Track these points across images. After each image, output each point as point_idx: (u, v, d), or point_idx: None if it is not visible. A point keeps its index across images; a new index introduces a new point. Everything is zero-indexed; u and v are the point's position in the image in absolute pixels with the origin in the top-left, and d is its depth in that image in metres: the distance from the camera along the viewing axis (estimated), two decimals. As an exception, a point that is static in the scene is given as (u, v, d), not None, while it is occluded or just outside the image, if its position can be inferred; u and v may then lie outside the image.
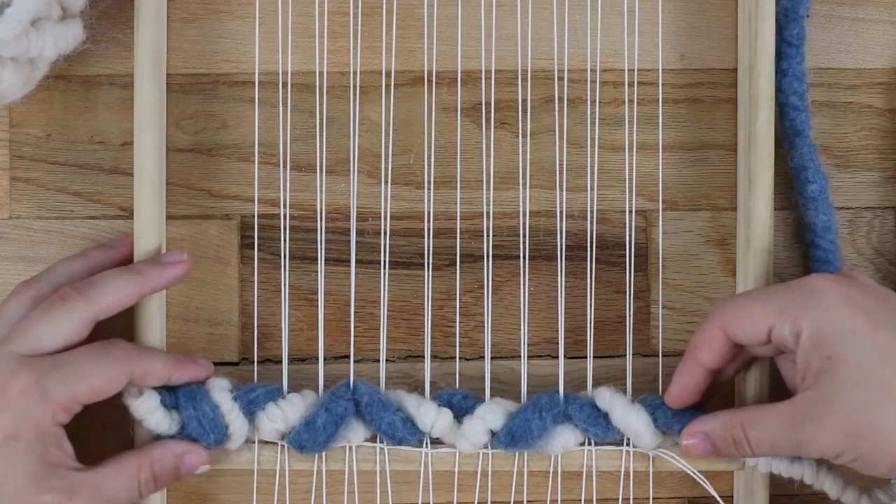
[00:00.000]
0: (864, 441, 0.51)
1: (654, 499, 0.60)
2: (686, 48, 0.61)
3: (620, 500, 0.60)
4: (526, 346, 0.60)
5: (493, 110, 0.61)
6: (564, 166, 0.61)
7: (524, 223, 0.61)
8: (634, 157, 0.61)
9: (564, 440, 0.58)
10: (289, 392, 0.58)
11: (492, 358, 0.60)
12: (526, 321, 0.60)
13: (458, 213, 0.61)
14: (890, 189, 0.62)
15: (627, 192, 0.61)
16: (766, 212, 0.58)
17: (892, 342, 0.51)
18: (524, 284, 0.60)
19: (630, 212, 0.61)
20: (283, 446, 0.58)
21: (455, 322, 0.61)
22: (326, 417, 0.57)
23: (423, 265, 0.60)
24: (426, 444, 0.58)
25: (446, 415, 0.58)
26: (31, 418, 0.52)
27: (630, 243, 0.61)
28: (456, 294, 0.61)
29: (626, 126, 0.61)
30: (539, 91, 0.61)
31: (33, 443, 0.52)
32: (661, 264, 0.61)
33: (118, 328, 0.57)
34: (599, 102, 0.61)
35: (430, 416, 0.58)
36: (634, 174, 0.61)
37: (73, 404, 0.53)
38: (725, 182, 0.62)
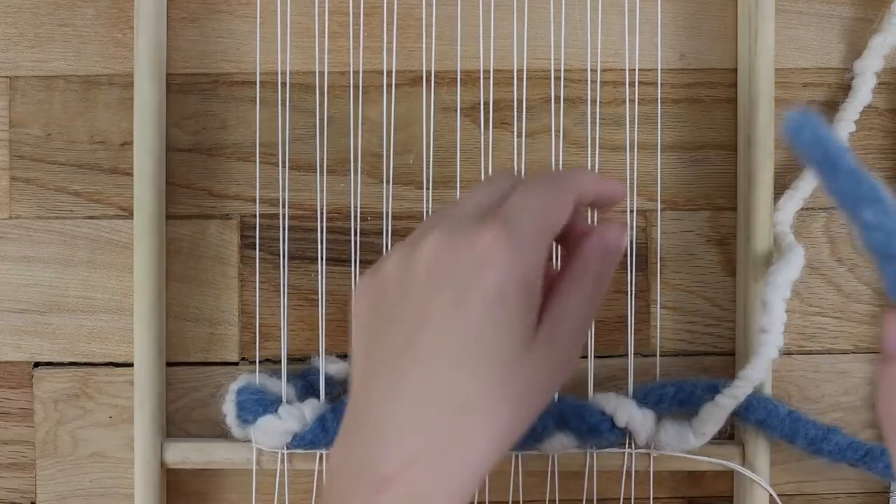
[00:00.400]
0: None
1: (654, 499, 0.60)
2: (686, 48, 0.61)
3: (621, 499, 0.60)
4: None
5: (491, 110, 0.61)
6: (563, 166, 0.60)
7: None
8: (636, 157, 0.61)
9: (560, 444, 0.58)
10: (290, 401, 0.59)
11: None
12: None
13: (458, 213, 0.61)
14: (890, 189, 0.62)
15: (627, 192, 0.61)
16: (766, 212, 0.58)
17: None
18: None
19: (630, 212, 0.61)
20: (283, 446, 0.58)
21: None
22: (333, 419, 0.57)
23: (422, 265, 0.60)
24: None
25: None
26: (515, 264, 0.46)
27: (630, 243, 0.61)
28: (456, 294, 0.61)
29: (627, 126, 0.61)
30: (538, 91, 0.61)
31: (520, 295, 0.46)
32: (659, 264, 0.61)
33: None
34: (599, 102, 0.61)
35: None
36: (635, 174, 0.61)
37: (543, 239, 0.47)
38: (725, 182, 0.62)
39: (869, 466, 0.58)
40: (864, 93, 0.60)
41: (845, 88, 0.61)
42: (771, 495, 0.58)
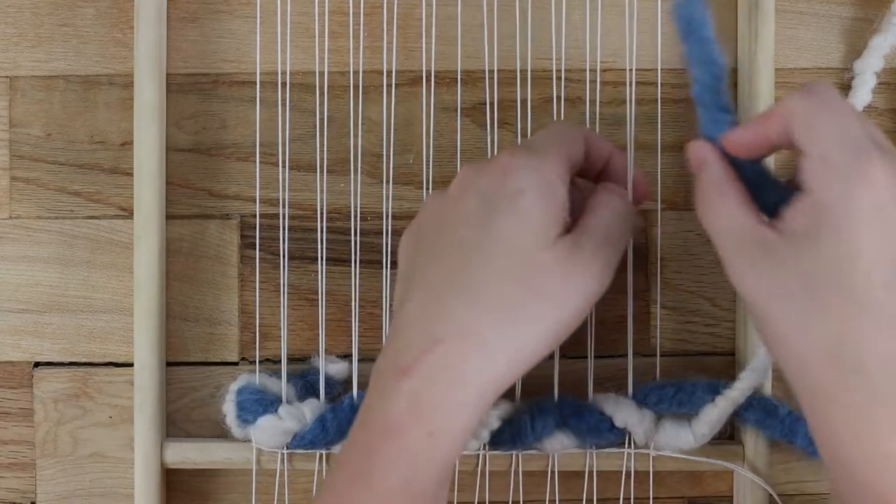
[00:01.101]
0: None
1: (654, 499, 0.60)
2: (686, 48, 0.61)
3: (621, 499, 0.60)
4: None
5: (492, 110, 0.61)
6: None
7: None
8: (632, 157, 0.60)
9: (560, 443, 0.58)
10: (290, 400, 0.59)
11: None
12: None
13: (458, 213, 0.61)
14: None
15: (629, 193, 0.60)
16: (766, 212, 0.58)
17: None
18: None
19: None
20: (282, 446, 0.58)
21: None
22: (333, 419, 0.57)
23: (422, 265, 0.60)
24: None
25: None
26: (534, 169, 0.50)
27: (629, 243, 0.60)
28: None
29: (628, 126, 0.61)
30: (539, 91, 0.61)
31: (538, 193, 0.50)
32: (659, 264, 0.61)
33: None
34: (599, 102, 0.61)
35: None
36: (630, 173, 0.61)
37: (560, 156, 0.51)
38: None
39: None
40: (864, 93, 0.60)
41: (845, 88, 0.61)
42: (771, 495, 0.59)
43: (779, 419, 0.58)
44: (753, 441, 0.59)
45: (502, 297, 0.48)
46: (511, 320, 0.48)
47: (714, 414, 0.57)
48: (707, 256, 0.62)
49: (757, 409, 0.58)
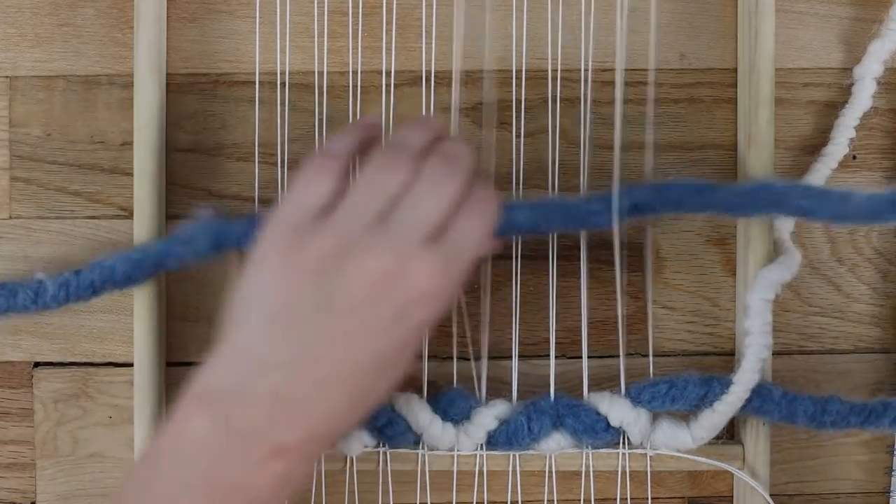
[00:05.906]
0: None
1: (653, 499, 0.60)
2: (686, 48, 0.61)
3: (618, 499, 0.60)
4: (517, 345, 0.60)
5: (491, 110, 0.61)
6: (558, 165, 0.60)
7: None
8: (618, 157, 0.60)
9: (557, 443, 0.58)
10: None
11: (492, 357, 0.60)
12: (517, 321, 0.60)
13: (458, 213, 0.61)
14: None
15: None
16: (765, 212, 0.58)
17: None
18: (515, 284, 0.60)
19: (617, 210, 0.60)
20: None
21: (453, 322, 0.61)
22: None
23: (422, 265, 0.60)
24: (422, 444, 0.58)
25: (437, 422, 0.58)
26: (443, 305, 0.50)
27: (628, 243, 0.60)
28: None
29: (618, 125, 0.61)
30: (538, 91, 0.61)
31: (429, 323, 0.50)
32: (652, 265, 0.61)
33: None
34: (599, 102, 0.61)
35: (422, 422, 0.58)
36: (617, 174, 0.60)
37: (471, 263, 0.51)
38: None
39: (876, 425, 0.57)
40: (864, 98, 0.60)
41: (845, 89, 0.61)
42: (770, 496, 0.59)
43: (774, 402, 0.57)
44: (753, 441, 0.59)
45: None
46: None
47: (713, 420, 0.57)
48: (707, 256, 0.62)
49: (752, 397, 0.57)
